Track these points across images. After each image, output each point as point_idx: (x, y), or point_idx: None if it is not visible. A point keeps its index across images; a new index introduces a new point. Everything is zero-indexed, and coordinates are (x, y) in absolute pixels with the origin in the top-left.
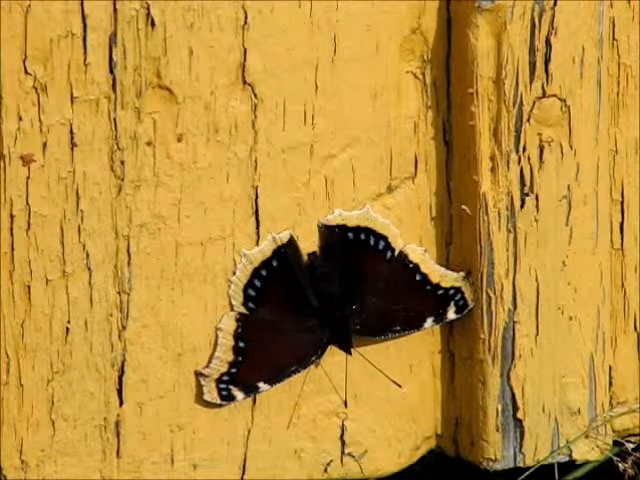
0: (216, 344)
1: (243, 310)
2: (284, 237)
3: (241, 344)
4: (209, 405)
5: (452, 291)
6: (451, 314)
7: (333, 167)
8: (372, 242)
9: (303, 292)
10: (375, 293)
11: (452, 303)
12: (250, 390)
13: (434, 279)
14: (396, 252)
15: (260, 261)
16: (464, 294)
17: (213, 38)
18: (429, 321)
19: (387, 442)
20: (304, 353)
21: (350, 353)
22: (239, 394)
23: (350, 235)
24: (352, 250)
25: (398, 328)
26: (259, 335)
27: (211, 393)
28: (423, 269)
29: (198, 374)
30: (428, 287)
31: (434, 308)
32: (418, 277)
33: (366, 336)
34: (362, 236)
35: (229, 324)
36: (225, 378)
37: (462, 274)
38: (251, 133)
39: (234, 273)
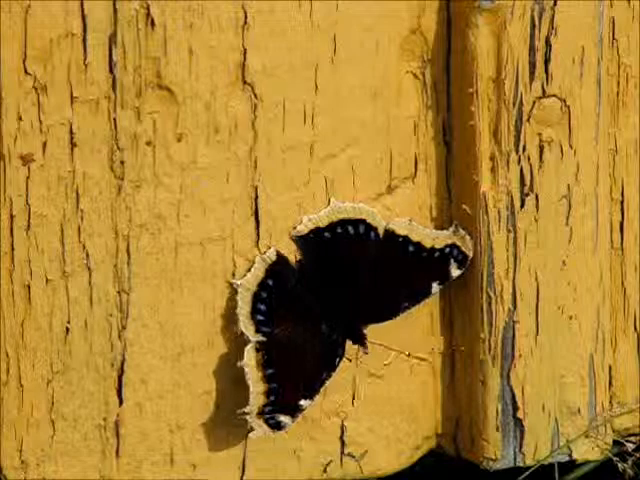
0: (247, 380)
1: (259, 338)
2: (272, 255)
3: (269, 371)
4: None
5: (448, 249)
6: (454, 271)
7: (333, 167)
8: (352, 231)
9: (305, 301)
10: (374, 278)
11: (451, 260)
12: (294, 410)
13: (427, 244)
14: (380, 231)
15: (256, 285)
16: (460, 247)
17: (213, 38)
18: (435, 286)
19: (387, 442)
20: (328, 358)
21: (365, 347)
22: (286, 418)
23: (327, 235)
24: (335, 247)
25: (407, 304)
26: (283, 356)
27: (261, 427)
28: (414, 238)
29: (242, 414)
30: (424, 254)
31: (436, 271)
32: (411, 247)
33: (380, 322)
34: (339, 230)
35: (251, 357)
36: (267, 409)
37: (452, 229)
38: (251, 133)
39: (237, 306)
